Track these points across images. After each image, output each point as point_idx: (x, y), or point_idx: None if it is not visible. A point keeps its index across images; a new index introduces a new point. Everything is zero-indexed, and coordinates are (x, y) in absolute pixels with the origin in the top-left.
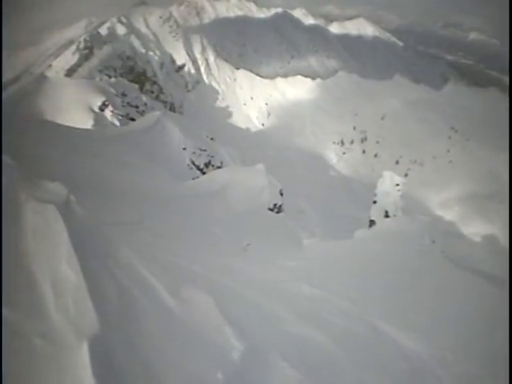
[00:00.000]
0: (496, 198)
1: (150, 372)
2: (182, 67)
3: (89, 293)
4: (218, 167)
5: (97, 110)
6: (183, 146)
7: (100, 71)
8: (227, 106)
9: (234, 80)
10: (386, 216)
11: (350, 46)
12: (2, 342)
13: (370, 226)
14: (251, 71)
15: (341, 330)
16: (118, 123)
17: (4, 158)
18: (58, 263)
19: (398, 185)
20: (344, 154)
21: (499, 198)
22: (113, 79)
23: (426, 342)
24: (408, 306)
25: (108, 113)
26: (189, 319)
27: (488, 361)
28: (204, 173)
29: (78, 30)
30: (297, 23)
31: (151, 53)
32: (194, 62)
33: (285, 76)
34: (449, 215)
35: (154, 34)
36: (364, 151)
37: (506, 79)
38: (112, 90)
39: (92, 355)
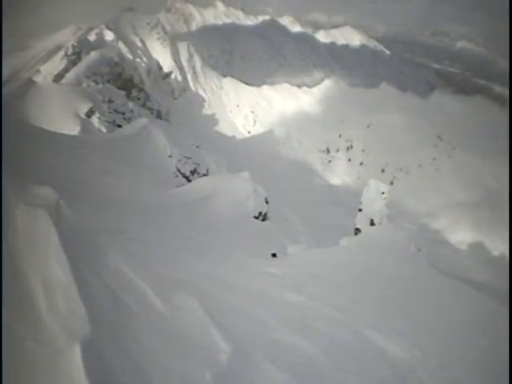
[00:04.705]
0: (482, 205)
1: (140, 373)
2: (168, 74)
3: (79, 295)
4: (204, 175)
5: (84, 116)
6: (169, 154)
7: (87, 77)
8: (213, 114)
9: (221, 88)
10: (372, 224)
11: (336, 54)
12: None
13: (356, 234)
14: (238, 79)
15: (327, 337)
16: (104, 130)
17: None
18: (48, 266)
19: (383, 193)
20: (330, 162)
21: (486, 206)
22: (100, 85)
23: (412, 348)
24: (394, 313)
25: (95, 119)
26: (177, 322)
27: (474, 366)
28: (190, 180)
29: (66, 36)
30: (284, 31)
31: (138, 59)
32: (181, 69)
33: (271, 84)
34: (435, 223)
35: (142, 41)
36: (350, 159)
37: (494, 87)
38: (99, 97)
39: (84, 357)
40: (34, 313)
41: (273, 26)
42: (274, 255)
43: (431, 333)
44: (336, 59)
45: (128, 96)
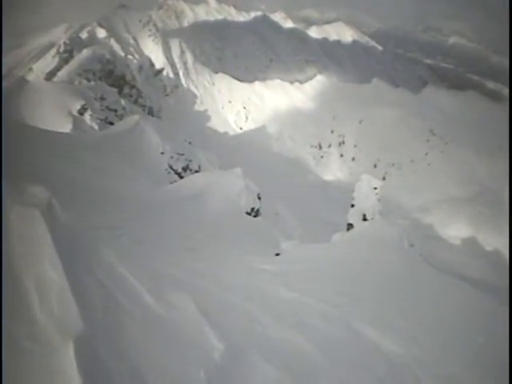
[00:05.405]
0: (476, 201)
1: (134, 371)
2: (160, 71)
3: (73, 295)
4: (196, 171)
5: (76, 113)
6: (161, 151)
7: (79, 75)
8: (205, 110)
9: (213, 84)
10: (364, 219)
11: (329, 50)
12: None
13: (348, 229)
14: (230, 75)
15: (321, 333)
16: (96, 127)
17: None
18: (42, 266)
19: (375, 188)
20: (322, 157)
21: (480, 201)
22: (92, 83)
23: (408, 345)
24: (389, 309)
25: (87, 117)
26: (171, 320)
27: (469, 363)
28: (182, 177)
29: (58, 34)
30: (276, 27)
31: (130, 56)
32: (173, 65)
33: (263, 80)
34: (428, 218)
35: (134, 38)
36: (342, 155)
37: (487, 83)
38: (91, 94)
39: (78, 356)
40: (28, 312)
41: (265, 22)
42: (277, 255)
43: (427, 329)
44: (328, 55)
45: (120, 93)
